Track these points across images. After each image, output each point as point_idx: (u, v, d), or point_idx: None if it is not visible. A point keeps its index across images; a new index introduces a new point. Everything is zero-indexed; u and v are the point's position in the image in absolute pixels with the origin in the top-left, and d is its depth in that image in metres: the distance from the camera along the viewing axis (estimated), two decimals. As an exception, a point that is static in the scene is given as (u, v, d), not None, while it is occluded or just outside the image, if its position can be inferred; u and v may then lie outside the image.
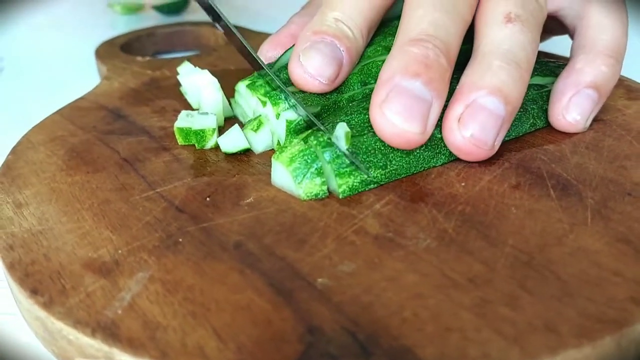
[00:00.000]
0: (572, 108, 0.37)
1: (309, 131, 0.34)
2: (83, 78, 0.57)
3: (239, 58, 0.54)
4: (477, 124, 0.33)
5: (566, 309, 0.25)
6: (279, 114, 0.37)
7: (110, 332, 0.25)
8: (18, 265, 0.29)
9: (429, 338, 0.24)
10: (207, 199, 0.33)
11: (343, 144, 0.32)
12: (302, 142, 0.33)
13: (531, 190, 0.32)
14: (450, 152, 0.34)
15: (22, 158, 0.38)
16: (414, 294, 0.26)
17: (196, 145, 0.38)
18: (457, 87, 0.34)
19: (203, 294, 0.26)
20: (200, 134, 0.37)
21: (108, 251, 0.30)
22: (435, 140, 0.34)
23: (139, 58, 0.55)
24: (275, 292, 0.26)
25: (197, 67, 0.44)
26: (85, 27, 0.77)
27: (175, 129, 0.38)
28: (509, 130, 0.37)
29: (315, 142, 0.33)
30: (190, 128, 0.38)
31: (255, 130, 0.37)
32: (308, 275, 0.27)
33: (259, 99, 0.37)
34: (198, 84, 0.42)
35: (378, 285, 0.26)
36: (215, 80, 0.41)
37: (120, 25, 0.77)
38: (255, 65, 0.39)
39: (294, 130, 0.37)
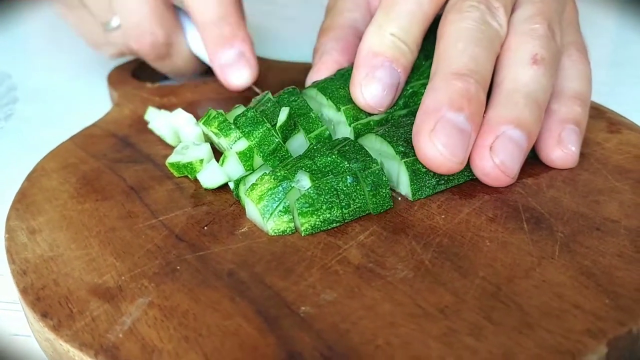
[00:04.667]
0: (566, 141, 0.39)
1: (279, 166, 0.37)
2: (95, 101, 0.60)
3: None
4: (506, 152, 0.36)
5: (525, 339, 0.27)
6: (231, 146, 0.39)
7: (111, 355, 0.27)
8: (30, 290, 0.32)
9: (397, 365, 0.26)
10: (205, 227, 0.36)
11: (307, 184, 0.35)
12: (271, 180, 0.35)
13: (506, 223, 0.35)
14: (411, 194, 0.37)
15: (36, 185, 0.41)
16: (388, 322, 0.28)
17: (189, 176, 0.41)
18: (485, 118, 0.37)
19: (196, 320, 0.29)
20: (189, 167, 0.40)
21: (112, 277, 0.32)
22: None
23: (149, 84, 0.58)
24: (262, 319, 0.29)
25: (161, 110, 0.48)
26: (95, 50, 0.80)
27: (167, 164, 0.41)
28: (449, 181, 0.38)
29: (281, 182, 0.35)
30: (180, 162, 0.40)
31: (222, 164, 0.39)
32: (292, 304, 0.30)
33: (213, 132, 0.40)
34: (175, 123, 0.44)
35: (356, 314, 0.29)
36: (190, 116, 0.44)
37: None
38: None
39: (269, 153, 0.38)
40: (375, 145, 0.38)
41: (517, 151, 0.36)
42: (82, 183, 0.41)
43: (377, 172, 0.36)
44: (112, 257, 0.34)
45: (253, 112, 0.39)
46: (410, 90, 0.42)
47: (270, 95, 0.42)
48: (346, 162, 0.36)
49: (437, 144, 0.35)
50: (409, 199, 0.37)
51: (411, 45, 0.40)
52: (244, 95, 0.54)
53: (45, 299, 0.31)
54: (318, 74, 0.45)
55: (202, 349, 0.27)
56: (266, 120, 0.39)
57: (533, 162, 0.40)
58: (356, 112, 0.41)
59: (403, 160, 0.37)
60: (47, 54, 0.81)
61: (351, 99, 0.41)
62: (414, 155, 0.37)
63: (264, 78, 0.58)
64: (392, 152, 0.37)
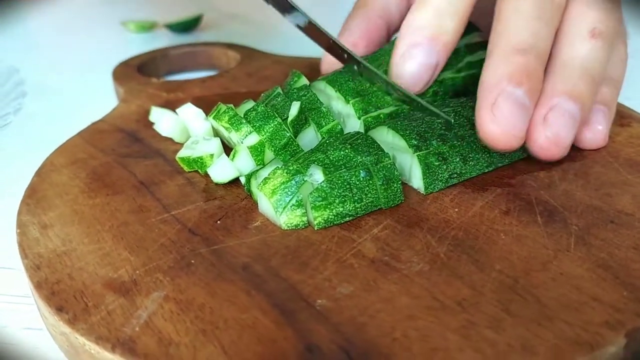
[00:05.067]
0: (593, 120, 0.40)
1: (291, 160, 0.37)
2: (101, 97, 0.60)
3: (250, 80, 0.57)
4: (559, 124, 0.36)
5: (544, 331, 0.27)
6: (242, 140, 0.39)
7: (128, 348, 0.27)
8: (45, 284, 0.32)
9: (416, 357, 0.26)
10: (218, 222, 0.36)
11: (320, 178, 0.35)
12: (284, 174, 0.35)
13: (520, 216, 0.35)
14: (424, 187, 0.37)
15: (46, 180, 0.41)
16: (406, 315, 0.28)
17: (199, 171, 0.40)
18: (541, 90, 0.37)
19: (213, 313, 0.29)
20: (200, 161, 0.40)
21: (127, 271, 0.32)
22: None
23: (154, 80, 0.58)
24: (279, 313, 0.29)
25: (165, 109, 0.48)
26: (100, 45, 0.80)
27: (177, 159, 0.41)
28: (502, 158, 0.39)
29: (294, 176, 0.35)
30: (190, 157, 0.40)
31: (232, 159, 0.39)
32: (309, 297, 0.30)
33: (223, 126, 0.40)
34: (184, 118, 0.44)
35: (373, 307, 0.29)
36: (199, 110, 0.44)
37: (134, 44, 0.80)
38: (340, 57, 0.41)
39: (280, 147, 0.38)
40: (387, 138, 0.38)
41: (570, 123, 0.36)
42: (92, 178, 0.41)
43: (389, 166, 0.36)
44: (125, 251, 0.34)
45: (263, 106, 0.39)
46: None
47: (280, 89, 0.42)
48: (359, 156, 0.36)
49: (500, 117, 0.35)
50: (422, 192, 0.37)
51: (456, 21, 0.39)
52: (250, 92, 0.54)
53: (60, 293, 0.31)
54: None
55: (220, 342, 0.27)
56: (277, 115, 0.39)
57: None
58: (365, 105, 0.41)
59: (416, 154, 0.37)
60: (55, 50, 0.81)
61: (359, 91, 0.41)
62: (427, 148, 0.37)
63: (272, 73, 0.58)
64: (404, 145, 0.37)
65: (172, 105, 0.52)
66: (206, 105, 0.52)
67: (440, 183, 0.37)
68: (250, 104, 0.41)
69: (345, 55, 0.42)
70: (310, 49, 0.61)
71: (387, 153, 0.36)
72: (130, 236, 0.35)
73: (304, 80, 0.43)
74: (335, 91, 0.41)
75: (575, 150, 0.40)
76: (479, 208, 0.36)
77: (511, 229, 0.34)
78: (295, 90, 0.41)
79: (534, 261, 0.31)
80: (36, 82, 0.65)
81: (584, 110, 0.37)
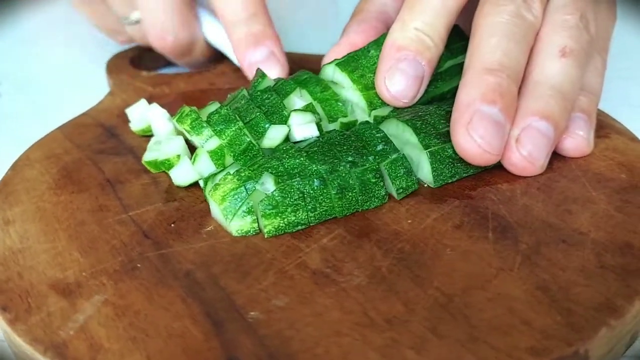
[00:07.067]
0: (572, 127, 0.40)
1: (242, 165, 0.37)
2: (91, 90, 0.61)
3: (236, 75, 0.57)
4: (532, 144, 0.37)
5: (467, 354, 0.27)
6: (202, 144, 0.39)
7: (59, 352, 0.28)
8: (-5, 282, 0.33)
9: (331, 377, 0.26)
10: (172, 225, 0.36)
11: (271, 187, 0.35)
12: (235, 180, 0.35)
13: (471, 231, 0.34)
14: (383, 196, 0.37)
15: (19, 175, 0.42)
16: (333, 331, 0.28)
17: (167, 172, 0.41)
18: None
19: (147, 320, 0.29)
20: (167, 163, 0.40)
21: (74, 272, 0.33)
22: (370, 185, 0.36)
23: (144, 73, 0.58)
24: (209, 322, 0.29)
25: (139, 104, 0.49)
26: (94, 38, 0.81)
27: (144, 162, 0.41)
28: (467, 168, 0.38)
29: (245, 183, 0.35)
30: (157, 159, 0.40)
31: (194, 162, 0.39)
32: (243, 308, 0.30)
33: (185, 129, 0.40)
34: (149, 118, 0.45)
35: (303, 320, 0.29)
36: (164, 111, 0.45)
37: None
38: None
39: (240, 152, 0.38)
40: (396, 131, 0.39)
41: (543, 142, 0.37)
42: (61, 174, 0.42)
43: (343, 174, 0.36)
44: (77, 252, 0.34)
45: (227, 109, 0.39)
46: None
47: (245, 91, 0.42)
48: (313, 165, 0.36)
49: (475, 136, 0.36)
50: (431, 186, 0.38)
51: (435, 40, 0.40)
52: (234, 88, 0.54)
53: (7, 292, 0.32)
54: (331, 54, 0.46)
55: (147, 351, 0.28)
56: (239, 119, 0.39)
57: (511, 166, 0.39)
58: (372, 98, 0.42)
59: (427, 151, 0.37)
60: (48, 43, 0.81)
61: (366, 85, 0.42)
62: (435, 145, 0.38)
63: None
64: (415, 141, 0.38)
65: (154, 101, 0.53)
66: (191, 101, 0.53)
67: (377, 201, 0.37)
68: (215, 106, 0.41)
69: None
70: (303, 44, 0.61)
71: (344, 161, 0.36)
72: (84, 236, 0.36)
73: (268, 82, 0.43)
74: (341, 71, 0.42)
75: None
76: (432, 220, 0.35)
77: (459, 244, 0.33)
78: (259, 93, 0.41)
79: (475, 279, 0.31)
80: (19, 79, 0.66)
81: (558, 128, 0.38)
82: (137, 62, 0.62)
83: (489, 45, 0.38)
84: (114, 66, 0.60)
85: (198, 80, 0.56)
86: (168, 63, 0.66)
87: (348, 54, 0.44)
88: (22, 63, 0.74)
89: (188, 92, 0.54)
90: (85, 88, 0.64)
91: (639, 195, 0.36)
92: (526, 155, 0.37)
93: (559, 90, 0.38)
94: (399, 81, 0.40)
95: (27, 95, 0.64)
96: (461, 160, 0.38)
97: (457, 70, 0.44)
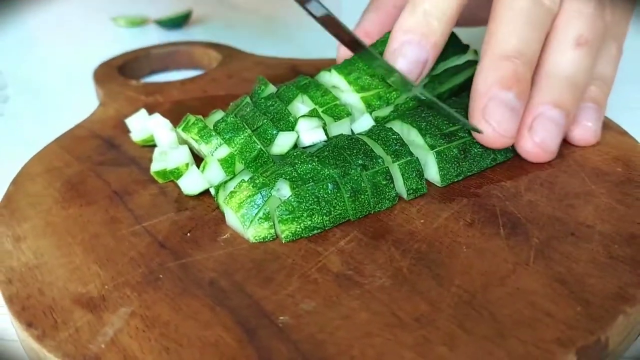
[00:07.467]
0: (581, 117, 0.42)
1: (254, 172, 0.37)
2: (85, 95, 0.60)
3: (230, 82, 0.57)
4: (544, 131, 0.39)
5: (497, 349, 0.28)
6: (211, 153, 0.39)
7: (93, 366, 0.28)
8: (16, 299, 0.32)
9: (371, 377, 0.27)
10: (188, 234, 0.36)
11: (287, 192, 0.35)
12: (250, 187, 0.36)
13: (483, 228, 0.35)
14: (394, 197, 0.38)
15: (21, 190, 0.42)
16: (364, 332, 0.29)
17: (175, 181, 0.41)
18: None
19: (177, 330, 0.30)
20: (176, 172, 0.40)
21: (96, 286, 0.33)
22: (381, 187, 0.37)
23: (134, 82, 0.58)
24: (241, 330, 0.30)
25: (140, 115, 0.48)
26: (91, 40, 0.80)
27: (152, 173, 0.41)
28: (471, 166, 0.40)
29: (260, 189, 0.36)
30: (166, 169, 0.40)
31: (203, 171, 0.39)
32: (272, 314, 0.30)
33: (193, 138, 0.40)
34: (152, 127, 0.45)
35: (332, 324, 0.30)
36: (166, 121, 0.45)
37: (124, 39, 0.80)
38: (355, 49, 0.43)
39: (251, 159, 0.39)
40: (399, 132, 0.39)
41: (556, 130, 0.39)
42: (66, 187, 0.42)
43: (355, 178, 0.36)
44: (95, 265, 0.34)
45: (233, 117, 0.40)
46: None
47: (248, 99, 0.42)
48: (326, 169, 0.36)
49: (491, 121, 0.38)
50: (438, 185, 0.39)
51: (443, 23, 0.41)
52: (228, 95, 0.54)
53: (30, 309, 0.32)
54: (343, 49, 0.47)
55: (183, 361, 0.28)
56: (246, 126, 0.39)
57: (512, 164, 0.41)
58: (372, 99, 0.43)
59: (433, 151, 0.39)
60: (45, 47, 0.81)
61: (364, 86, 0.43)
62: (441, 145, 0.39)
63: (252, 75, 0.58)
64: (421, 142, 0.39)
65: (150, 110, 0.53)
66: (186, 109, 0.53)
67: (388, 202, 0.38)
68: (219, 114, 0.42)
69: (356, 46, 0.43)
70: (298, 47, 0.61)
71: (355, 165, 0.37)
72: (100, 249, 0.36)
73: (271, 88, 0.43)
74: (338, 74, 0.43)
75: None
76: (444, 219, 0.36)
77: (474, 242, 0.34)
78: (262, 100, 0.41)
79: (493, 275, 0.32)
80: (23, 80, 0.65)
81: (569, 116, 0.39)
82: (124, 70, 0.62)
83: (506, 31, 0.39)
84: (102, 75, 0.60)
85: (190, 88, 0.56)
86: (153, 71, 0.66)
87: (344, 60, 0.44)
88: (27, 64, 0.73)
89: (183, 100, 0.54)
90: (77, 92, 0.63)
91: (637, 188, 0.38)
92: (539, 142, 0.39)
93: (572, 80, 0.39)
94: (401, 65, 0.41)
95: (32, 98, 0.63)
96: (466, 159, 0.39)
97: (453, 72, 0.45)
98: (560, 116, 0.39)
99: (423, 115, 0.41)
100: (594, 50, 0.40)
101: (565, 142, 0.42)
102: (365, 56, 0.43)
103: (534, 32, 0.39)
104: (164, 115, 0.50)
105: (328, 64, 0.54)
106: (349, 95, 0.43)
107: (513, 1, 0.39)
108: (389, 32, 0.44)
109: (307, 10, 0.41)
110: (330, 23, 0.41)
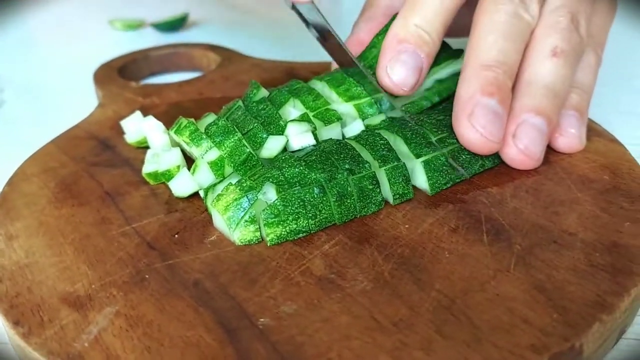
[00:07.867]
0: (564, 125, 0.43)
1: (242, 175, 0.38)
2: (83, 97, 0.61)
3: (226, 84, 0.58)
4: (527, 138, 0.40)
5: (473, 354, 0.28)
6: (201, 155, 0.40)
7: (76, 364, 0.29)
8: (5, 297, 0.33)
9: (346, 379, 0.27)
10: (176, 235, 0.37)
11: (273, 196, 0.36)
12: (237, 190, 0.36)
13: (467, 234, 0.36)
14: (380, 202, 0.38)
15: (16, 190, 0.43)
16: (343, 335, 0.29)
17: (166, 183, 0.41)
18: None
19: (160, 330, 0.30)
20: (167, 174, 0.41)
21: (83, 285, 0.34)
22: (367, 191, 0.38)
23: (133, 84, 0.59)
24: (222, 331, 0.30)
25: (133, 118, 0.49)
26: (87, 44, 0.81)
27: (144, 175, 0.42)
28: (459, 174, 0.40)
29: (247, 193, 0.36)
30: (157, 171, 0.41)
31: (193, 173, 0.40)
32: (253, 315, 0.31)
33: (184, 141, 0.41)
34: (145, 129, 0.45)
35: (313, 326, 0.30)
36: (159, 123, 0.45)
37: (121, 42, 0.81)
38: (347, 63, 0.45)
39: (240, 163, 0.39)
40: (389, 140, 0.40)
41: (539, 136, 0.40)
42: (60, 188, 0.42)
43: (341, 182, 0.37)
44: (85, 265, 0.35)
45: (224, 121, 0.40)
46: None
47: (240, 102, 0.43)
48: (312, 173, 0.37)
49: (477, 126, 0.39)
50: (428, 193, 0.39)
51: (433, 36, 0.43)
52: (225, 97, 0.55)
53: (18, 307, 0.32)
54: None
55: (164, 360, 0.29)
56: (237, 130, 0.40)
57: (500, 170, 0.41)
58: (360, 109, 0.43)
59: (421, 161, 0.39)
60: (43, 49, 0.82)
61: (351, 96, 0.43)
62: (427, 153, 0.39)
63: (248, 77, 0.59)
64: (406, 150, 0.39)
65: (146, 112, 0.53)
66: (182, 111, 0.54)
67: (374, 206, 0.38)
68: (212, 118, 0.42)
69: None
70: (294, 50, 0.62)
71: (342, 169, 0.37)
72: (90, 249, 0.36)
73: (263, 92, 0.44)
74: (328, 85, 0.44)
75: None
76: (428, 225, 0.37)
77: (457, 248, 0.35)
78: (254, 103, 0.42)
79: (474, 281, 0.32)
80: (22, 81, 0.66)
81: (551, 123, 0.40)
82: (124, 72, 0.63)
83: (487, 43, 0.40)
84: (102, 77, 0.61)
85: (188, 90, 0.57)
86: (152, 72, 0.67)
87: (335, 70, 0.45)
88: (24, 66, 0.74)
89: (179, 102, 0.55)
90: (74, 94, 0.64)
91: (622, 196, 0.38)
92: (523, 149, 0.40)
93: (551, 88, 0.40)
94: (400, 70, 0.43)
95: (30, 100, 0.64)
96: (454, 167, 0.39)
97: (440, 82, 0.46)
98: (543, 123, 0.40)
99: (410, 124, 0.41)
100: (570, 60, 0.41)
101: (553, 150, 0.42)
102: (356, 75, 0.44)
103: (514, 44, 0.40)
104: (160, 117, 0.51)
105: (325, 67, 0.55)
106: (340, 106, 0.44)
107: (494, 13, 0.40)
108: (377, 36, 0.45)
109: (305, 24, 0.42)
110: (329, 42, 0.43)
